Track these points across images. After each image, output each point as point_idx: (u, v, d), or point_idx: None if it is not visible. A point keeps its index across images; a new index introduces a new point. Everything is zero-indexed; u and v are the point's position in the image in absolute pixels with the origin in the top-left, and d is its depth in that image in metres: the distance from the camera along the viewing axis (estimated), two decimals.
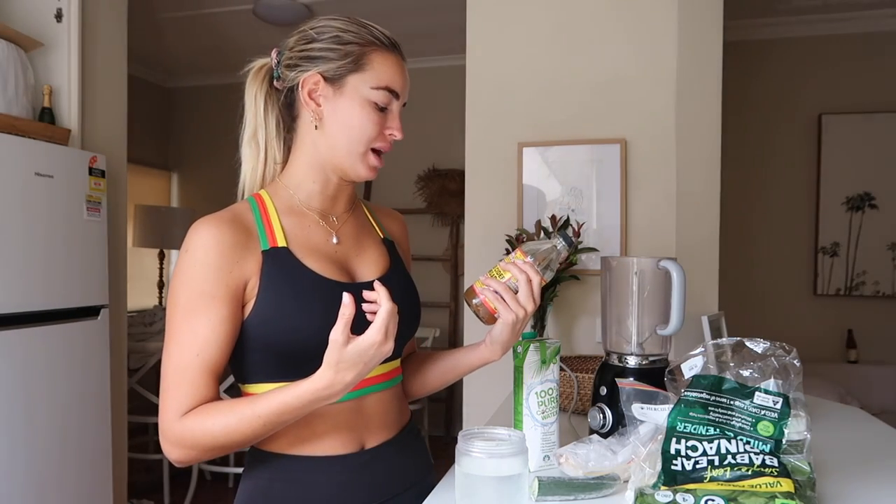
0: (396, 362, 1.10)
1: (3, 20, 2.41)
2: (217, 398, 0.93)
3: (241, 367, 0.98)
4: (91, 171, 2.41)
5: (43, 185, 2.20)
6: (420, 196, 4.73)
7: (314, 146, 1.01)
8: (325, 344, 0.86)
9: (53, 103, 2.49)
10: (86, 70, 2.59)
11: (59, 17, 2.52)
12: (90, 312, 2.41)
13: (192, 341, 0.90)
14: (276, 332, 0.93)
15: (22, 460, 2.09)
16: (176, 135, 5.40)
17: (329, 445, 0.98)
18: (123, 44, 2.85)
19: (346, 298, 0.84)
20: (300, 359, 0.93)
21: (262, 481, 0.99)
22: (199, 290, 0.91)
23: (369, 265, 1.06)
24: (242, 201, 1.03)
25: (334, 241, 1.04)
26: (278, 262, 0.96)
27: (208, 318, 0.90)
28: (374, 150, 1.01)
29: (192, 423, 0.89)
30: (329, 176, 1.03)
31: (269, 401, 0.87)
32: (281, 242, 0.98)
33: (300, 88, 1.00)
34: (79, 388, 2.33)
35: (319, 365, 0.88)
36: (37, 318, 2.18)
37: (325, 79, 0.99)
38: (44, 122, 2.41)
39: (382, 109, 0.99)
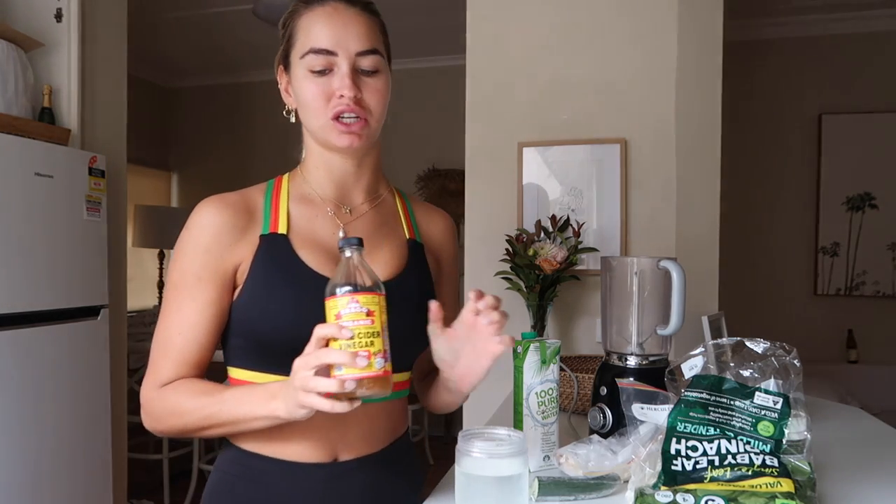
0: (400, 375, 0.99)
1: (3, 20, 2.41)
2: (200, 375, 0.93)
3: (225, 349, 0.97)
4: (91, 171, 2.41)
5: (43, 185, 2.20)
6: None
7: (306, 132, 1.00)
8: (302, 341, 0.82)
9: (53, 103, 2.49)
10: (86, 70, 2.59)
11: (59, 17, 2.52)
12: (90, 312, 2.41)
13: (177, 320, 0.91)
14: (255, 319, 0.91)
15: (22, 460, 2.09)
16: (176, 135, 5.40)
17: (297, 451, 0.94)
18: (123, 44, 2.85)
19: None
20: (278, 351, 0.89)
21: (229, 476, 0.97)
22: (189, 270, 0.91)
23: (376, 266, 0.95)
24: (261, 184, 1.01)
25: (341, 234, 0.97)
26: (271, 249, 0.93)
27: (194, 298, 0.91)
28: (339, 118, 0.92)
29: (166, 394, 0.90)
30: (328, 158, 0.98)
31: (239, 387, 0.89)
32: (281, 229, 0.94)
33: (280, 86, 1.00)
34: (79, 388, 2.33)
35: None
36: (37, 318, 2.18)
37: (285, 69, 0.98)
38: (44, 122, 2.41)
39: (325, 73, 0.91)
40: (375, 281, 0.80)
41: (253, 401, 0.84)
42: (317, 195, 0.99)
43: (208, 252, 0.91)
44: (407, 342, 0.95)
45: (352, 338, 0.76)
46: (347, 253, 0.81)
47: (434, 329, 0.92)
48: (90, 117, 2.62)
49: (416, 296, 0.98)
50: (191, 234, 0.92)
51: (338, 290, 0.78)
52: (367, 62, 0.92)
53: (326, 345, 0.77)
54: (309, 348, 0.77)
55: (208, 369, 0.96)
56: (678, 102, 2.19)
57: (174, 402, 0.90)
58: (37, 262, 2.17)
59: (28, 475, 2.12)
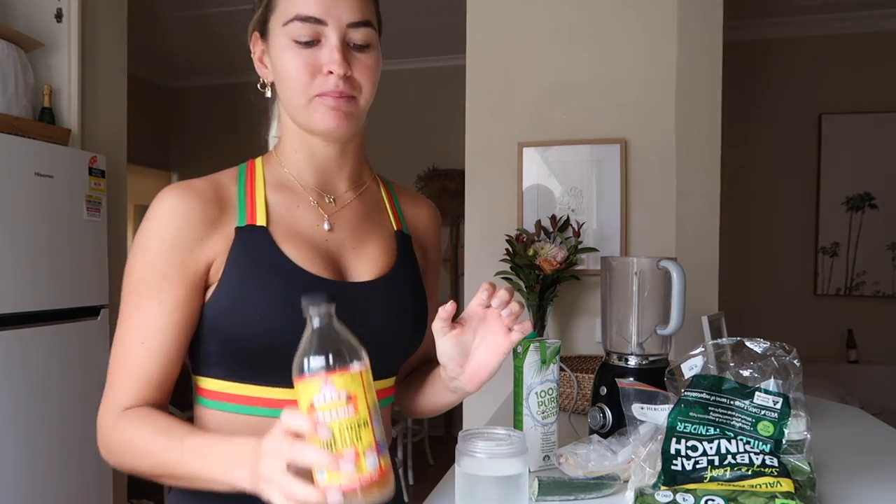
0: (387, 381, 0.91)
1: (3, 20, 2.41)
2: (165, 397, 0.81)
3: (194, 355, 0.85)
4: (91, 171, 2.41)
5: (43, 185, 2.20)
6: None
7: (283, 110, 0.89)
8: (290, 347, 0.73)
9: (53, 103, 2.49)
10: (86, 70, 2.59)
11: (59, 17, 2.52)
12: (90, 312, 2.41)
13: (139, 326, 0.78)
14: (234, 325, 0.79)
15: (22, 460, 2.09)
16: (176, 135, 5.41)
17: None
18: (123, 44, 2.85)
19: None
20: (263, 358, 0.79)
21: (191, 499, 0.82)
22: (153, 268, 0.78)
23: (366, 262, 0.88)
24: (231, 169, 0.89)
25: (326, 227, 0.87)
26: (250, 244, 0.81)
27: (159, 300, 0.78)
28: (325, 95, 0.81)
29: (123, 425, 0.77)
30: (309, 140, 0.87)
31: (203, 437, 0.75)
32: (260, 221, 0.83)
33: (252, 55, 0.89)
34: (79, 388, 2.33)
35: (280, 372, 0.73)
36: (37, 318, 2.18)
37: (261, 36, 0.88)
38: (44, 122, 2.41)
39: (311, 44, 0.80)
40: (353, 349, 0.63)
41: (215, 459, 0.70)
42: (296, 182, 0.88)
43: (175, 247, 0.79)
44: (398, 345, 0.89)
45: (332, 437, 0.59)
46: (315, 321, 0.63)
47: (442, 326, 0.82)
48: (90, 117, 2.62)
49: (408, 294, 0.90)
50: (154, 226, 0.79)
51: (306, 369, 0.61)
52: (358, 35, 0.81)
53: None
54: (277, 432, 0.62)
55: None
56: (678, 102, 2.19)
57: (130, 437, 0.76)
58: (37, 262, 2.17)
59: (28, 475, 2.11)
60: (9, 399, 2.06)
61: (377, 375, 0.85)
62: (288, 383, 0.75)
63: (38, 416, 2.16)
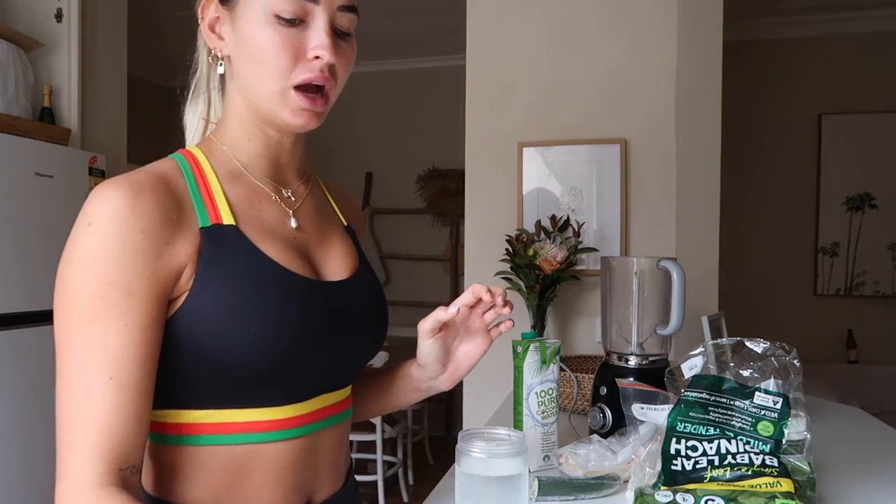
0: (349, 389, 0.85)
1: (3, 20, 2.41)
2: (140, 456, 0.65)
3: (159, 385, 0.68)
4: (91, 171, 2.41)
5: (43, 185, 2.20)
6: (420, 196, 4.73)
7: (236, 91, 0.77)
8: (287, 360, 0.68)
9: (53, 103, 2.49)
10: (86, 70, 2.59)
11: (59, 17, 2.52)
12: None
13: (103, 359, 0.62)
14: (219, 339, 0.67)
15: (22, 460, 2.09)
16: (176, 135, 5.40)
17: (268, 500, 0.73)
18: (123, 44, 2.86)
19: None
20: (251, 379, 0.69)
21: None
22: (114, 282, 0.63)
23: (336, 260, 0.81)
24: (166, 159, 0.76)
25: (293, 224, 0.78)
26: (224, 245, 0.70)
27: (125, 322, 0.63)
28: (302, 86, 0.72)
29: None
30: (265, 131, 0.77)
31: None
32: (227, 219, 0.71)
33: (201, 21, 0.76)
34: None
35: (274, 389, 0.70)
36: (37, 317, 2.18)
37: (221, 1, 0.74)
38: (44, 122, 2.41)
39: (295, 23, 0.70)
40: None
41: None
42: (250, 175, 0.77)
43: (141, 254, 0.64)
44: (371, 346, 0.84)
45: None
46: None
47: (432, 329, 0.81)
48: (90, 117, 2.62)
49: (376, 291, 0.85)
50: (107, 231, 0.64)
51: None
52: (345, 20, 0.73)
53: None
54: None
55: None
56: (678, 102, 2.19)
57: None
58: (37, 262, 2.17)
59: (28, 475, 2.11)
60: (9, 399, 2.06)
61: (350, 381, 0.84)
62: (279, 401, 0.72)
63: (39, 416, 2.16)
